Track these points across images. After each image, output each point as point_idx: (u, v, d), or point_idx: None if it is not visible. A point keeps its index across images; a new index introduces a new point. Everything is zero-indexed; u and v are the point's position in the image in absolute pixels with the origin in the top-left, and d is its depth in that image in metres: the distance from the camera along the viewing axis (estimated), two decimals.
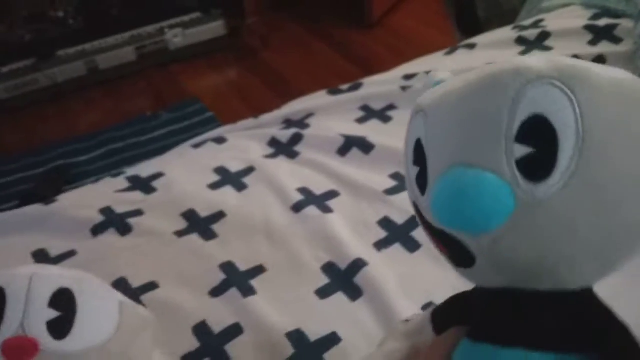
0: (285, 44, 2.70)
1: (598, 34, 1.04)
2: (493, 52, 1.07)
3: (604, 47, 1.01)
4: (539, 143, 0.33)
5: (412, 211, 0.76)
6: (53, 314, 0.48)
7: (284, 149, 0.92)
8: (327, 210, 0.81)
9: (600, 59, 0.99)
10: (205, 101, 2.34)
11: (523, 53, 1.05)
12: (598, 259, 0.36)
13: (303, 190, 0.84)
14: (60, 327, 0.48)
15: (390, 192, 0.82)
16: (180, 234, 0.79)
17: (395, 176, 0.84)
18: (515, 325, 0.38)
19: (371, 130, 0.92)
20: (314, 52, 2.63)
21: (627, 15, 1.05)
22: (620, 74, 0.36)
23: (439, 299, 0.65)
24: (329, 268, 0.73)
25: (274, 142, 0.94)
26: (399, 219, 0.78)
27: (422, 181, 0.39)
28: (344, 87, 1.04)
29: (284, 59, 2.60)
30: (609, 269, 0.37)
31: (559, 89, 0.34)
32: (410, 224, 0.76)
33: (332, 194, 0.83)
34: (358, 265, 0.72)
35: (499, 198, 0.34)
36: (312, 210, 0.81)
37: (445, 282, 0.67)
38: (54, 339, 0.47)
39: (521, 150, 0.33)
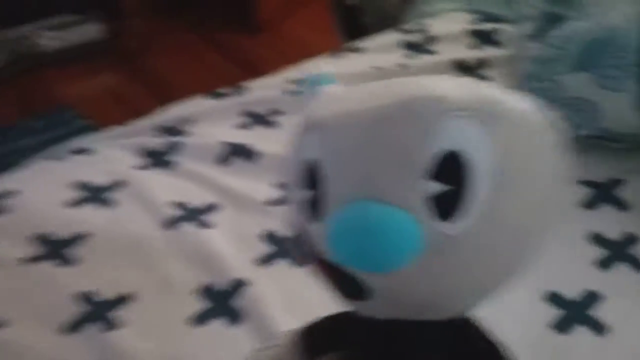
0: (169, 48, 2.57)
1: (481, 38, 1.04)
2: (379, 56, 1.04)
3: (488, 51, 1.02)
4: (453, 181, 0.31)
5: None
6: None
7: (159, 159, 0.83)
8: (206, 225, 0.73)
9: (484, 63, 0.98)
10: (81, 109, 2.18)
11: (408, 57, 1.03)
12: (481, 293, 0.36)
13: (179, 205, 0.76)
14: None
15: (275, 202, 0.76)
16: (31, 261, 0.68)
17: (281, 185, 0.78)
18: (402, 354, 0.37)
19: (255, 137, 0.85)
20: (199, 56, 2.53)
21: (508, 20, 1.06)
22: (527, 105, 0.34)
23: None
24: (206, 290, 0.66)
25: (146, 152, 0.85)
26: (283, 231, 0.72)
27: (315, 207, 0.34)
28: (226, 90, 0.97)
29: (167, 63, 2.48)
30: (484, 300, 0.37)
31: (478, 125, 0.31)
32: None
33: (212, 207, 0.76)
34: (239, 285, 0.66)
35: (407, 238, 0.31)
36: (188, 227, 0.73)
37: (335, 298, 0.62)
38: None
39: (434, 187, 0.31)
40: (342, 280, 0.35)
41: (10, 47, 2.41)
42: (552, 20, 0.87)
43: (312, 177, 0.34)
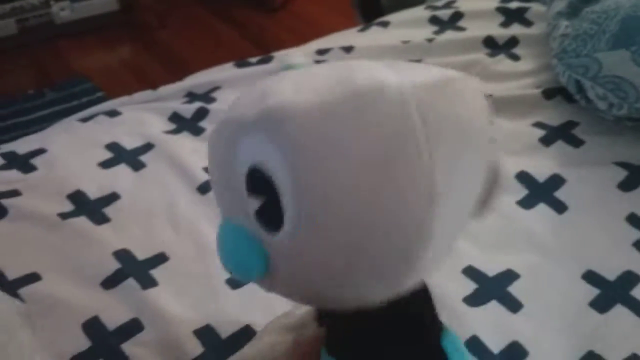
0: (184, 23, 2.56)
1: (510, 16, 1.04)
2: (407, 31, 1.03)
3: (516, 29, 1.01)
4: (265, 194, 0.32)
5: None
6: None
7: (188, 124, 0.84)
8: None
9: (513, 41, 0.98)
10: (95, 80, 2.17)
11: (437, 33, 1.03)
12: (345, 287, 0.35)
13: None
14: None
15: None
16: (65, 216, 0.68)
17: None
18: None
19: None
20: (214, 33, 2.52)
21: None
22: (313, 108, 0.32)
23: None
24: None
25: (175, 117, 0.85)
26: None
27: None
28: (253, 60, 0.96)
29: (182, 38, 2.46)
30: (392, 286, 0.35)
31: (266, 138, 0.31)
32: None
33: None
34: None
35: (252, 250, 0.34)
36: None
37: None
38: None
39: (254, 203, 0.33)
40: None
41: (23, 16, 2.40)
42: None
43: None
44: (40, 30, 2.41)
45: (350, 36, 1.03)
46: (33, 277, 0.62)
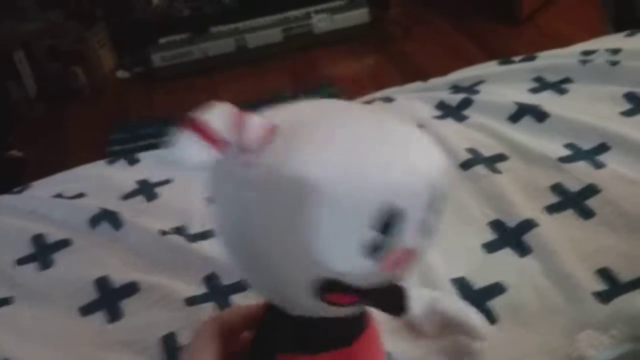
0: (428, 36, 2.68)
1: None
2: None
3: None
4: None
5: (587, 180, 0.74)
6: None
7: (453, 112, 0.92)
8: (496, 171, 0.80)
9: None
10: (340, 86, 2.38)
11: None
12: None
13: (471, 151, 0.84)
14: None
15: (565, 160, 0.79)
16: None
17: (570, 146, 0.81)
18: None
19: (545, 100, 0.90)
20: (454, 45, 2.60)
21: None
22: None
23: (613, 265, 0.63)
24: (496, 224, 0.72)
25: (442, 105, 0.94)
26: (573, 186, 0.75)
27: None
28: (516, 58, 1.02)
29: (424, 51, 2.58)
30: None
31: None
32: (585, 192, 0.74)
33: (502, 157, 0.82)
34: (528, 224, 0.71)
35: None
36: (480, 169, 0.80)
37: (618, 250, 0.65)
38: None
39: None
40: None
41: (287, 26, 2.72)
42: None
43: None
44: (300, 39, 2.71)
45: (616, 40, 1.03)
46: None
